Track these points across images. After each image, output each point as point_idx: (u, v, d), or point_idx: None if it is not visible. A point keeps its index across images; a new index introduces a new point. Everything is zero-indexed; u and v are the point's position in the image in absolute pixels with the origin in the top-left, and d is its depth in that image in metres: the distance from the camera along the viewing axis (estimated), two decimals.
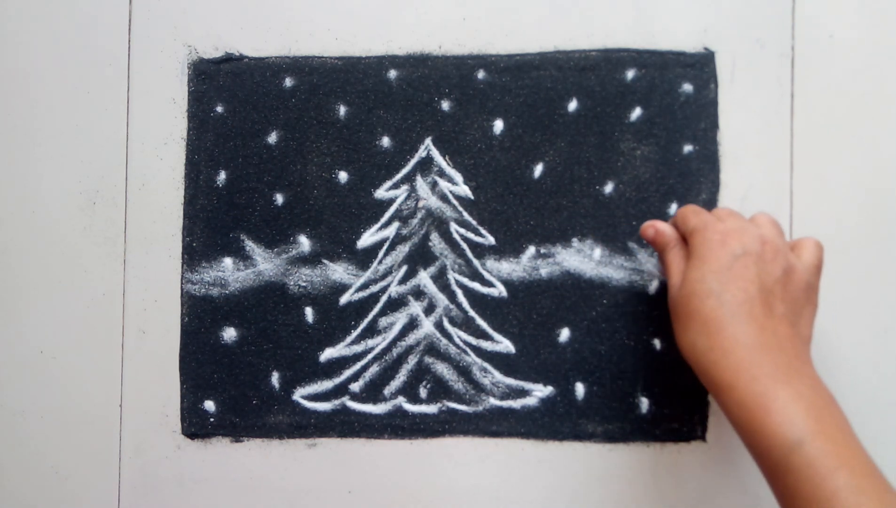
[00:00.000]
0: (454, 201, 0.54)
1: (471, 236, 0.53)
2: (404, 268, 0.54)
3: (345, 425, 0.53)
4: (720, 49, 0.53)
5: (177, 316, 0.54)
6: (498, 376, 0.53)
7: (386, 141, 0.54)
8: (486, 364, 0.53)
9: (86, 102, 0.55)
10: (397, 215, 0.54)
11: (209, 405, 0.54)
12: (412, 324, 0.53)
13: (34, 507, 0.54)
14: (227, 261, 0.54)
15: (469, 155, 0.53)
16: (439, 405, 0.53)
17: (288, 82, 0.54)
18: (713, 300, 0.42)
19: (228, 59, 0.54)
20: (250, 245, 0.54)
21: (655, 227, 0.48)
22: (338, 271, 0.54)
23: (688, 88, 0.53)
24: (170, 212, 0.54)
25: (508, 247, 0.53)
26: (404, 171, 0.54)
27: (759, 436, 0.39)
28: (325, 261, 0.54)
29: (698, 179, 0.53)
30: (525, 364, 0.53)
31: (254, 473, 0.53)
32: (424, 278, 0.53)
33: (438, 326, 0.53)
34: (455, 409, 0.53)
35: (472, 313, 0.53)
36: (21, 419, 0.54)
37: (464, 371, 0.53)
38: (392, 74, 0.54)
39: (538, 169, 0.53)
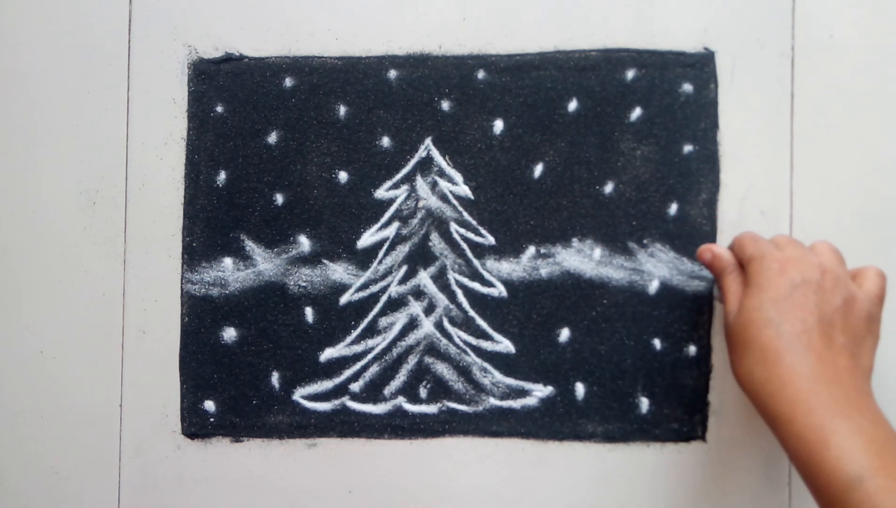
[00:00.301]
0: (454, 201, 0.54)
1: (471, 236, 0.53)
2: (404, 268, 0.54)
3: (345, 425, 0.53)
4: (720, 49, 0.53)
5: (177, 316, 0.54)
6: (498, 376, 0.53)
7: (386, 141, 0.54)
8: (486, 364, 0.53)
9: (86, 102, 0.54)
10: (397, 215, 0.54)
11: (209, 405, 0.54)
12: (412, 324, 0.53)
13: (34, 507, 0.54)
14: (227, 261, 0.54)
15: (469, 155, 0.53)
16: (439, 405, 0.53)
17: (288, 82, 0.54)
18: (771, 330, 0.41)
19: (228, 59, 0.54)
20: (250, 245, 0.54)
21: (713, 251, 0.48)
22: (338, 271, 0.54)
23: (688, 88, 0.53)
24: (170, 212, 0.54)
25: (508, 247, 0.53)
26: (404, 171, 0.54)
27: (817, 471, 0.38)
28: (325, 261, 0.54)
29: (698, 179, 0.53)
30: (525, 364, 0.53)
31: (254, 473, 0.53)
32: (424, 278, 0.53)
33: (438, 326, 0.53)
34: (455, 409, 0.53)
35: (472, 313, 0.53)
36: (21, 419, 0.54)
37: (464, 371, 0.53)
38: (392, 74, 0.54)
39: (538, 169, 0.53)
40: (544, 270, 0.53)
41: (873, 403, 0.41)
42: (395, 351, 0.53)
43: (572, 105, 0.53)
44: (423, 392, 0.53)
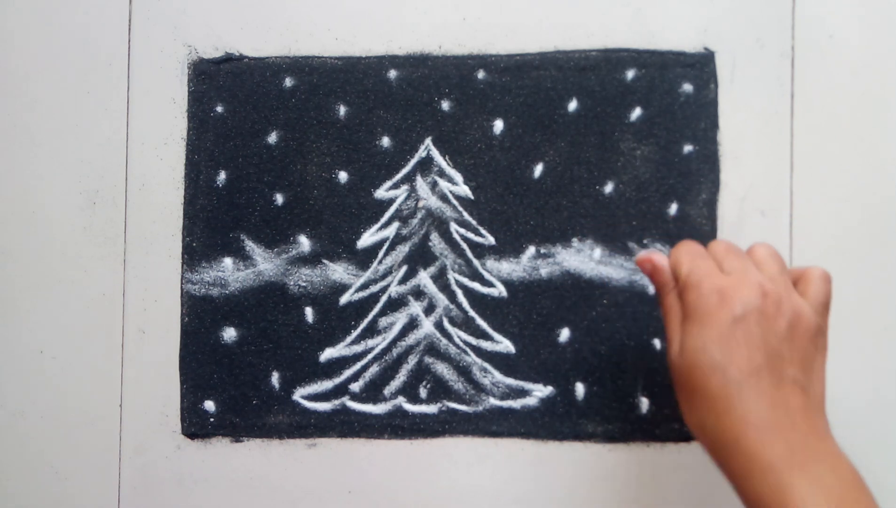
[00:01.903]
0: (454, 201, 0.54)
1: (471, 236, 0.53)
2: (404, 268, 0.54)
3: (345, 425, 0.53)
4: (720, 49, 0.53)
5: (177, 316, 0.54)
6: (498, 376, 0.53)
7: (386, 141, 0.54)
8: (486, 364, 0.53)
9: (86, 102, 0.55)
10: (397, 215, 0.54)
11: (209, 405, 0.54)
12: (412, 324, 0.53)
13: (34, 507, 0.54)
14: (227, 261, 0.54)
15: (469, 155, 0.53)
16: (439, 405, 0.53)
17: (288, 82, 0.54)
18: (718, 376, 0.38)
19: (228, 59, 0.54)
20: (250, 245, 0.54)
21: (653, 263, 0.43)
22: (338, 271, 0.54)
23: (688, 88, 0.53)
24: (170, 212, 0.54)
25: (508, 247, 0.53)
26: (404, 171, 0.54)
27: None
28: (325, 261, 0.54)
29: (698, 179, 0.53)
30: (525, 364, 0.53)
31: (254, 473, 0.53)
32: (424, 278, 0.53)
33: (438, 326, 0.53)
34: (455, 409, 0.53)
35: (472, 313, 0.53)
36: (21, 419, 0.54)
37: (464, 371, 0.53)
38: (392, 74, 0.54)
39: (538, 169, 0.53)
40: (544, 270, 0.53)
41: (831, 444, 0.38)
42: (395, 351, 0.53)
43: (572, 105, 0.53)
44: (423, 392, 0.53)
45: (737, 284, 0.39)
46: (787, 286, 0.41)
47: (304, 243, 0.54)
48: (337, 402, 0.53)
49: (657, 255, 0.44)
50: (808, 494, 0.36)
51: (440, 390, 0.53)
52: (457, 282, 0.53)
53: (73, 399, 0.54)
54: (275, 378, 0.53)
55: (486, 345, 0.53)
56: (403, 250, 0.54)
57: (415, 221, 0.54)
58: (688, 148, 0.53)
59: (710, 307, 0.39)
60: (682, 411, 0.41)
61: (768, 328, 0.39)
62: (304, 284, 0.54)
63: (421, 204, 0.54)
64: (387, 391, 0.53)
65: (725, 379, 0.38)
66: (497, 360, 0.53)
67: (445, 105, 0.54)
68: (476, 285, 0.53)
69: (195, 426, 0.54)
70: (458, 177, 0.54)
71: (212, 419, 0.54)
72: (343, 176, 0.54)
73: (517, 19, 0.54)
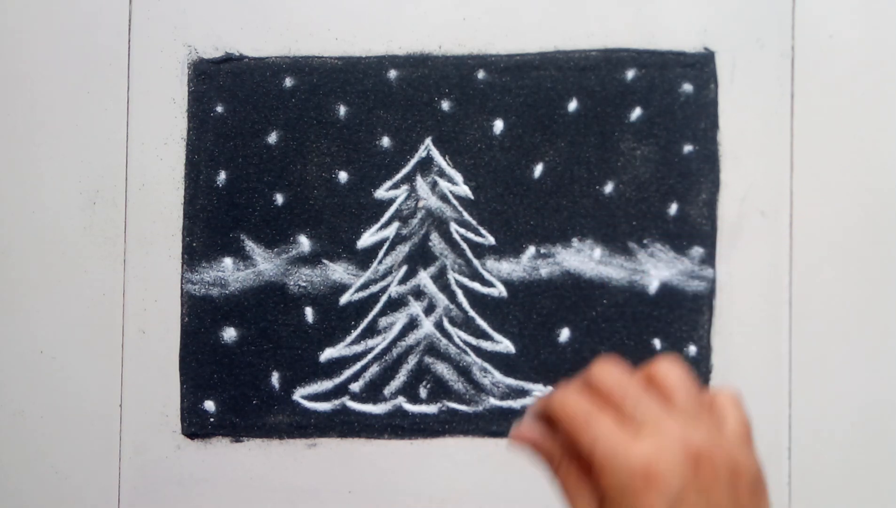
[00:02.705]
0: (454, 201, 0.54)
1: (471, 236, 0.53)
2: (404, 268, 0.54)
3: (345, 425, 0.53)
4: (720, 49, 0.53)
5: (177, 316, 0.54)
6: (498, 376, 0.53)
7: (386, 141, 0.54)
8: (486, 364, 0.53)
9: (86, 102, 0.54)
10: (397, 215, 0.54)
11: (209, 405, 0.54)
12: (412, 324, 0.53)
13: (34, 507, 0.54)
14: (227, 261, 0.54)
15: (469, 155, 0.53)
16: (439, 405, 0.53)
17: (288, 82, 0.54)
18: None
19: (228, 59, 0.54)
20: (250, 245, 0.54)
21: (526, 438, 0.34)
22: (338, 271, 0.54)
23: (688, 88, 0.53)
24: (170, 212, 0.54)
25: (508, 247, 0.53)
26: (404, 171, 0.54)
27: None
28: (325, 261, 0.54)
29: (698, 179, 0.53)
30: (525, 364, 0.53)
31: (254, 473, 0.53)
32: (424, 278, 0.53)
33: (438, 326, 0.53)
34: (455, 409, 0.53)
35: (472, 313, 0.53)
36: (21, 419, 0.54)
37: (464, 371, 0.53)
38: (392, 74, 0.54)
39: (538, 169, 0.53)
40: (544, 270, 0.53)
41: None
42: (395, 351, 0.53)
43: (572, 105, 0.53)
44: (423, 392, 0.53)
45: (657, 449, 0.30)
46: (711, 426, 0.32)
47: (304, 243, 0.54)
48: (337, 402, 0.53)
49: (528, 429, 0.34)
50: None
51: (440, 390, 0.53)
52: (457, 282, 0.53)
53: (73, 399, 0.54)
54: (275, 378, 0.53)
55: (486, 345, 0.53)
56: (403, 250, 0.54)
57: (415, 221, 0.54)
58: (688, 148, 0.53)
59: (637, 496, 0.30)
60: None
61: (710, 502, 0.30)
62: (304, 284, 0.54)
63: (421, 204, 0.54)
64: (387, 391, 0.53)
65: None
66: (497, 360, 0.53)
67: (445, 105, 0.54)
68: (476, 285, 0.53)
69: (195, 426, 0.54)
70: (458, 177, 0.54)
71: (212, 419, 0.54)
72: (343, 176, 0.54)
73: (517, 19, 0.54)
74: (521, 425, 0.34)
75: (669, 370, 0.33)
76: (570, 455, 0.32)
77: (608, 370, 0.33)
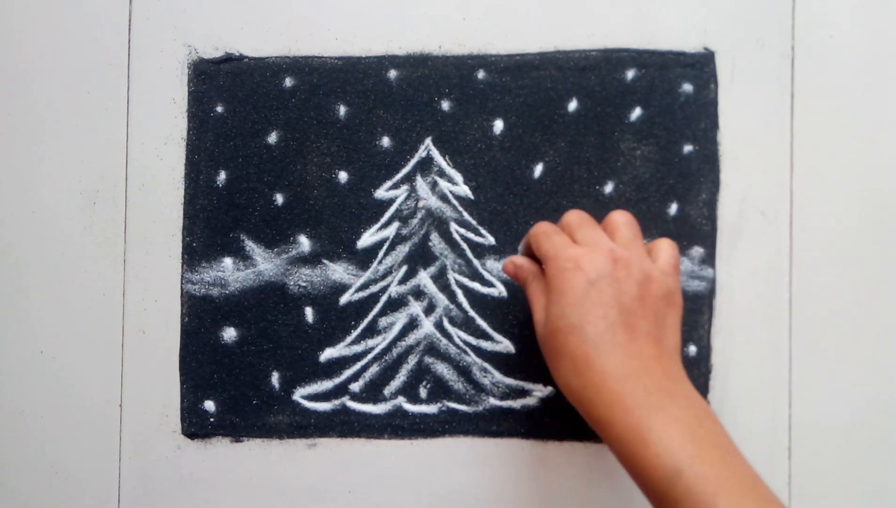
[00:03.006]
0: (454, 201, 0.54)
1: (471, 236, 0.53)
2: (404, 268, 0.54)
3: (345, 425, 0.53)
4: (720, 49, 0.53)
5: (177, 316, 0.54)
6: (498, 376, 0.53)
7: (386, 141, 0.54)
8: (486, 364, 0.53)
9: (86, 102, 0.55)
10: (397, 215, 0.54)
11: (209, 405, 0.54)
12: (412, 324, 0.53)
13: (34, 507, 0.54)
14: (227, 261, 0.54)
15: (469, 155, 0.54)
16: (439, 405, 0.53)
17: (288, 82, 0.54)
18: (576, 336, 0.41)
19: (228, 59, 0.54)
20: (250, 245, 0.54)
21: (514, 262, 0.48)
22: (338, 271, 0.54)
23: (688, 88, 0.53)
24: (170, 212, 0.54)
25: (508, 247, 0.53)
26: (404, 171, 0.54)
27: (640, 470, 0.39)
28: (325, 261, 0.54)
29: (698, 179, 0.53)
30: (525, 364, 0.53)
31: (254, 473, 0.53)
32: (424, 278, 0.53)
33: (438, 326, 0.53)
34: (455, 409, 0.53)
35: (472, 313, 0.53)
36: (21, 419, 0.54)
37: (464, 371, 0.53)
38: (392, 74, 0.54)
39: (538, 169, 0.53)
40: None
41: (685, 385, 0.41)
42: (395, 351, 0.53)
43: (572, 105, 0.53)
44: (423, 392, 0.53)
45: (589, 252, 0.43)
46: (639, 252, 0.44)
47: (304, 243, 0.54)
48: (337, 402, 0.53)
49: (516, 257, 0.48)
50: (663, 430, 0.38)
51: (440, 390, 0.53)
52: (457, 282, 0.53)
53: (73, 399, 0.54)
54: (275, 378, 0.53)
55: (486, 345, 0.53)
56: (403, 250, 0.54)
57: (415, 221, 0.54)
58: (688, 148, 0.53)
59: (567, 276, 0.42)
60: (552, 373, 0.43)
61: (619, 289, 0.42)
62: (304, 284, 0.54)
63: (421, 204, 0.54)
64: (387, 391, 0.53)
65: (583, 337, 0.41)
66: (497, 360, 0.53)
67: (445, 105, 0.54)
68: (476, 285, 0.53)
69: (195, 426, 0.54)
70: (458, 177, 0.54)
71: (212, 419, 0.54)
72: (343, 176, 0.54)
73: (517, 19, 0.54)
74: (509, 258, 0.48)
75: (618, 216, 0.46)
76: (538, 274, 0.46)
77: (575, 213, 0.47)
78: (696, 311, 0.52)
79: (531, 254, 0.48)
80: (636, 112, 0.53)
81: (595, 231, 0.45)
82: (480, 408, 0.53)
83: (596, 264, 0.42)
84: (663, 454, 0.38)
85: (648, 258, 0.44)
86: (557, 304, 0.42)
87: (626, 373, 0.40)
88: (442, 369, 0.53)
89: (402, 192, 0.54)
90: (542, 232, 0.46)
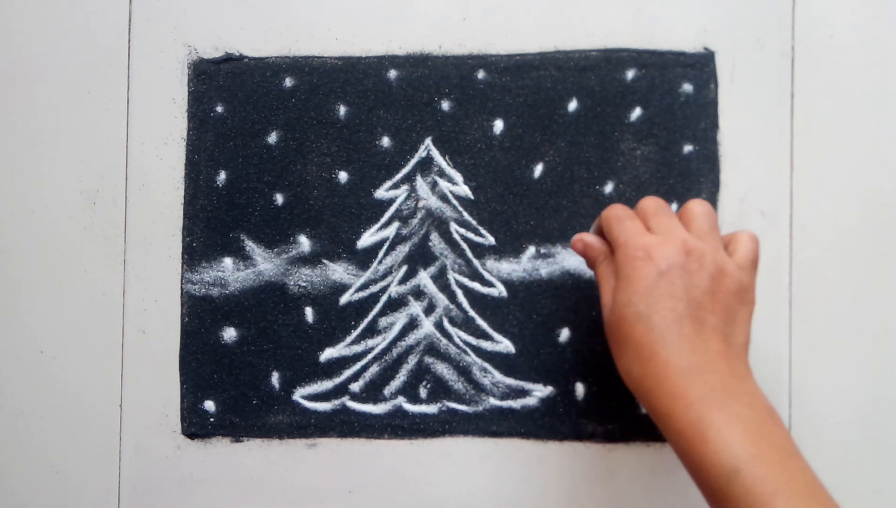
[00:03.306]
0: (454, 201, 0.54)
1: (471, 236, 0.53)
2: (404, 268, 0.54)
3: (345, 425, 0.53)
4: (720, 49, 0.53)
5: (177, 316, 0.54)
6: (498, 376, 0.53)
7: (386, 141, 0.54)
8: (486, 364, 0.53)
9: (86, 102, 0.55)
10: (397, 215, 0.54)
11: (209, 405, 0.54)
12: (412, 324, 0.53)
13: (34, 507, 0.54)
14: (227, 261, 0.54)
15: (469, 155, 0.54)
16: (439, 405, 0.53)
17: (288, 82, 0.54)
18: (642, 325, 0.40)
19: (228, 59, 0.54)
20: (250, 245, 0.54)
21: (584, 240, 0.47)
22: (338, 271, 0.54)
23: (688, 88, 0.53)
24: (170, 212, 0.54)
25: (508, 247, 0.53)
26: (404, 171, 0.54)
27: (698, 466, 0.38)
28: (325, 261, 0.54)
29: (698, 179, 0.53)
30: (525, 364, 0.53)
31: (254, 473, 0.53)
32: (424, 278, 0.53)
33: (438, 326, 0.53)
34: (455, 409, 0.53)
35: (472, 313, 0.53)
36: (21, 419, 0.54)
37: (464, 371, 0.53)
38: (392, 74, 0.54)
39: (538, 169, 0.53)
40: (544, 270, 0.53)
41: (750, 383, 0.40)
42: (395, 351, 0.53)
43: (572, 105, 0.53)
44: (423, 392, 0.53)
45: (661, 242, 0.42)
46: (714, 244, 0.43)
47: (304, 243, 0.54)
48: (337, 402, 0.53)
49: (586, 234, 0.47)
50: (723, 427, 0.38)
51: (440, 390, 0.53)
52: (457, 282, 0.53)
53: (73, 399, 0.54)
54: (275, 378, 0.53)
55: (486, 345, 0.53)
56: (403, 250, 0.54)
57: (415, 221, 0.54)
58: (688, 148, 0.53)
59: (637, 264, 0.41)
60: (614, 359, 0.43)
61: (690, 281, 0.41)
62: (304, 284, 0.54)
63: (421, 204, 0.54)
64: (387, 391, 0.53)
65: (649, 327, 0.40)
66: (497, 360, 0.53)
67: (445, 105, 0.54)
68: (476, 285, 0.53)
69: (195, 426, 0.54)
70: (458, 177, 0.54)
71: (212, 419, 0.54)
72: (343, 176, 0.54)
73: (517, 19, 0.54)
74: (579, 234, 0.47)
75: (696, 205, 0.44)
76: (610, 255, 0.45)
77: (651, 199, 0.45)
78: None
79: (601, 235, 0.47)
80: (636, 112, 0.53)
81: (671, 219, 0.44)
82: (480, 408, 0.53)
83: (667, 254, 0.41)
84: (722, 451, 0.37)
85: (724, 251, 0.43)
86: (625, 291, 0.41)
87: (689, 367, 0.39)
88: (442, 369, 0.53)
89: (402, 192, 0.54)
90: (615, 215, 0.45)
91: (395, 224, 0.54)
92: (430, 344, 0.53)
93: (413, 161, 0.54)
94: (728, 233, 0.45)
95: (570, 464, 0.53)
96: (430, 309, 0.53)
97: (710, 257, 0.42)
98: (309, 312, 0.53)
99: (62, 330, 0.54)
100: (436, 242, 0.54)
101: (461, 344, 0.53)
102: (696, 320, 0.41)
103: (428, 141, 0.54)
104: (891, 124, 0.53)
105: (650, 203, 0.45)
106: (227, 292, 0.54)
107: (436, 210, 0.54)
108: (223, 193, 0.54)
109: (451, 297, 0.53)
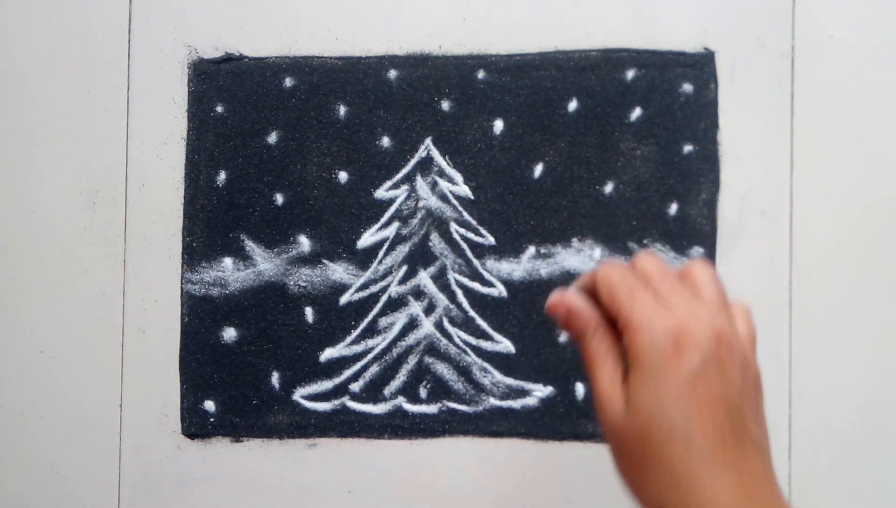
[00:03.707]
0: (454, 201, 0.54)
1: (471, 236, 0.53)
2: (404, 268, 0.54)
3: (345, 425, 0.53)
4: (720, 49, 0.53)
5: (177, 316, 0.54)
6: (498, 376, 0.53)
7: (386, 141, 0.54)
8: (486, 364, 0.53)
9: (86, 102, 0.55)
10: (397, 215, 0.54)
11: (209, 405, 0.54)
12: (412, 324, 0.53)
13: (34, 507, 0.54)
14: (227, 261, 0.54)
15: (469, 155, 0.53)
16: (439, 405, 0.53)
17: (288, 82, 0.54)
18: (679, 444, 0.32)
19: (228, 59, 0.54)
20: (250, 245, 0.54)
21: (569, 306, 0.36)
22: (338, 271, 0.54)
23: (688, 88, 0.53)
24: (170, 212, 0.54)
25: (508, 247, 0.53)
26: (404, 171, 0.54)
27: None
28: (325, 261, 0.54)
29: (698, 179, 0.53)
30: (525, 364, 0.53)
31: (254, 473, 0.53)
32: (424, 278, 0.53)
33: (438, 326, 0.53)
34: (455, 409, 0.53)
35: (472, 313, 0.53)
36: (21, 419, 0.54)
37: (464, 371, 0.53)
38: (392, 74, 0.54)
39: (538, 169, 0.53)
40: (544, 270, 0.53)
41: (780, 500, 0.33)
42: (395, 351, 0.53)
43: (572, 105, 0.53)
44: (423, 392, 0.53)
45: (689, 325, 0.33)
46: (733, 323, 0.35)
47: (304, 243, 0.54)
48: (337, 402, 0.53)
49: (571, 296, 0.36)
50: None
51: (440, 390, 0.53)
52: (457, 282, 0.53)
53: (73, 399, 0.54)
54: (275, 378, 0.53)
55: (486, 345, 0.53)
56: (403, 250, 0.54)
57: (415, 221, 0.54)
58: (688, 148, 0.53)
59: (666, 356, 0.32)
60: (630, 480, 0.35)
61: (726, 380, 0.33)
62: (304, 284, 0.54)
63: (421, 204, 0.54)
64: (387, 391, 0.53)
65: (687, 445, 0.32)
66: (497, 360, 0.53)
67: (445, 105, 0.54)
68: (476, 285, 0.53)
69: (195, 426, 0.54)
70: (458, 177, 0.54)
71: (212, 419, 0.54)
72: (343, 176, 0.54)
73: (517, 19, 0.54)
74: (563, 293, 0.36)
75: (702, 269, 0.35)
76: (604, 327, 0.35)
77: (651, 260, 0.36)
78: None
79: (589, 294, 0.37)
80: (636, 112, 0.53)
81: (683, 287, 0.35)
82: (480, 408, 0.53)
83: (700, 342, 0.32)
84: None
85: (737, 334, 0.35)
86: (653, 393, 0.32)
87: (737, 499, 0.31)
88: (442, 369, 0.53)
89: (402, 192, 0.54)
90: (620, 283, 0.35)
91: (395, 224, 0.54)
92: (430, 344, 0.53)
93: (413, 161, 0.54)
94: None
95: (570, 464, 0.53)
96: (430, 309, 0.53)
97: (735, 342, 0.34)
98: (309, 312, 0.53)
99: (62, 330, 0.54)
100: (436, 242, 0.54)
101: (461, 344, 0.53)
102: (737, 432, 0.32)
103: (428, 141, 0.54)
104: (891, 124, 0.53)
105: (652, 265, 0.36)
106: (227, 292, 0.54)
107: (436, 210, 0.54)
108: (223, 193, 0.54)
109: (451, 297, 0.53)
